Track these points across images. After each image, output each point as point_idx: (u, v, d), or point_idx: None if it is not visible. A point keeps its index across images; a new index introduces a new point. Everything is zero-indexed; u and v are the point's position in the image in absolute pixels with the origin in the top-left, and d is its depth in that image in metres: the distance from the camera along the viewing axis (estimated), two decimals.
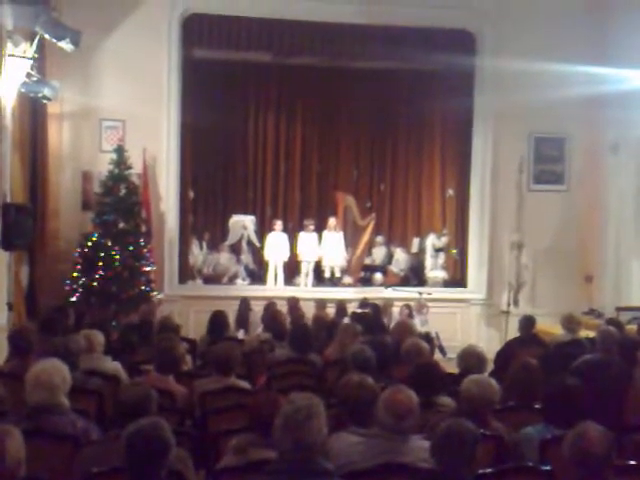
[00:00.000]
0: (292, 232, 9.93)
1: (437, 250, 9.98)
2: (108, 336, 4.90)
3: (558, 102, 9.01)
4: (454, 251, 10.02)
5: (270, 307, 7.08)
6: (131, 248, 8.03)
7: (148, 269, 8.18)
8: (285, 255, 9.62)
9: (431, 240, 10.07)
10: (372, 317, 6.65)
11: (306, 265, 9.65)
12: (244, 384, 4.01)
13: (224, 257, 9.83)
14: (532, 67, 8.78)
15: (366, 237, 10.13)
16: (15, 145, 7.15)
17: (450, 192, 10.21)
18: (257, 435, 2.72)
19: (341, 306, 7.53)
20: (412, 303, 8.54)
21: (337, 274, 9.81)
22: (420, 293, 8.60)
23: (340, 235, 9.84)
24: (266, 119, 10.53)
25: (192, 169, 9.68)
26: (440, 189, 10.38)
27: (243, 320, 7.72)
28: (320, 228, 9.92)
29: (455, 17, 9.34)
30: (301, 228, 9.83)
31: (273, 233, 9.72)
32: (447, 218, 10.29)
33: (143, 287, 8.02)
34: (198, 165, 9.95)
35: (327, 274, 9.80)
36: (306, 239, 9.67)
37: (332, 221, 9.79)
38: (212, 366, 4.08)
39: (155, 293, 8.19)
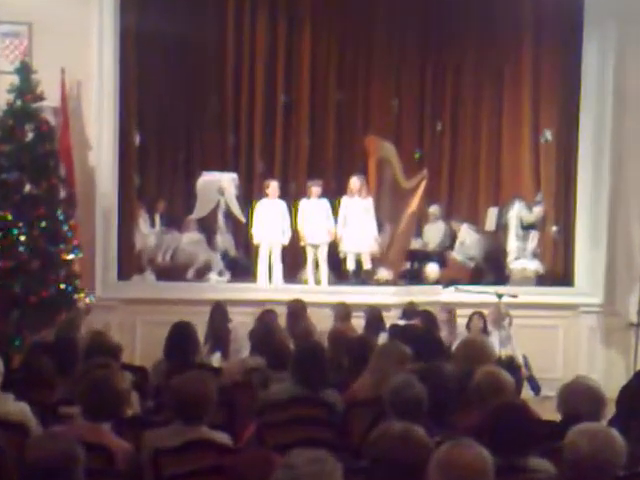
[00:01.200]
0: (295, 199, 9.94)
1: (526, 227, 9.95)
2: (8, 362, 4.92)
3: None
4: (554, 229, 10.02)
5: (263, 317, 7.14)
6: (43, 225, 8.01)
7: (70, 257, 8.16)
8: (284, 236, 9.60)
9: (517, 211, 10.01)
10: (423, 333, 6.69)
11: (313, 251, 9.63)
12: (221, 437, 4.03)
13: (189, 238, 9.85)
14: None
15: (413, 207, 10.13)
16: None
17: (547, 135, 10.22)
18: None
19: (374, 316, 7.53)
20: (487, 311, 8.43)
21: (366, 265, 9.76)
22: (500, 295, 8.36)
23: (369, 203, 9.79)
24: (255, 23, 10.48)
25: (138, 100, 9.66)
26: (531, 130, 10.36)
27: (219, 337, 7.74)
28: (338, 192, 9.92)
29: None
30: (305, 193, 9.83)
31: (266, 201, 9.69)
32: (542, 177, 10.28)
33: (62, 285, 8.00)
34: (147, 94, 9.93)
35: (350, 265, 9.76)
36: (310, 210, 9.64)
37: (356, 181, 9.70)
38: (171, 409, 4.11)
39: (81, 295, 8.17)
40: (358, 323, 7.51)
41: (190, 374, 4.18)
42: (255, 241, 9.62)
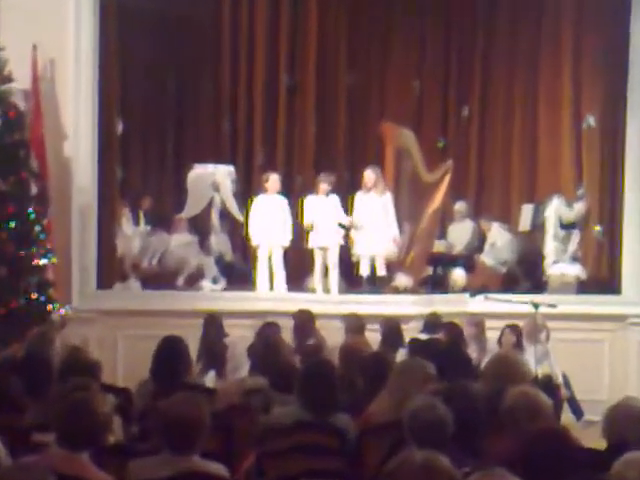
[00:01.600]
0: (301, 195, 10.00)
1: (566, 226, 9.94)
2: None
3: None
4: (597, 228, 10.02)
5: (265, 331, 7.18)
6: (12, 225, 8.05)
7: (43, 262, 8.21)
8: (287, 237, 9.64)
9: (555, 209, 9.98)
10: (447, 348, 6.71)
11: (321, 255, 9.65)
12: (215, 468, 4.03)
13: (179, 241, 9.92)
14: None
15: (436, 203, 10.17)
16: None
17: (590, 121, 10.20)
18: None
19: (391, 329, 7.55)
20: (521, 323, 8.37)
21: (382, 271, 9.83)
22: (536, 305, 8.33)
23: (387, 200, 9.82)
24: None
25: (121, 83, 9.73)
26: (571, 115, 10.36)
27: (214, 354, 7.68)
28: (350, 188, 9.96)
29: None
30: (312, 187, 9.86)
31: (266, 197, 9.72)
32: (584, 168, 10.28)
33: (34, 295, 8.05)
34: (131, 76, 10.02)
35: (364, 271, 9.81)
36: (318, 207, 9.65)
37: (371, 175, 9.75)
38: (159, 436, 4.10)
39: (55, 306, 8.21)
40: (373, 337, 7.52)
41: (180, 396, 4.18)
42: (253, 243, 9.63)
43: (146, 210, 10.10)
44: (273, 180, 9.66)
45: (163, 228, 10.02)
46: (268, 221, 9.57)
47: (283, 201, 9.70)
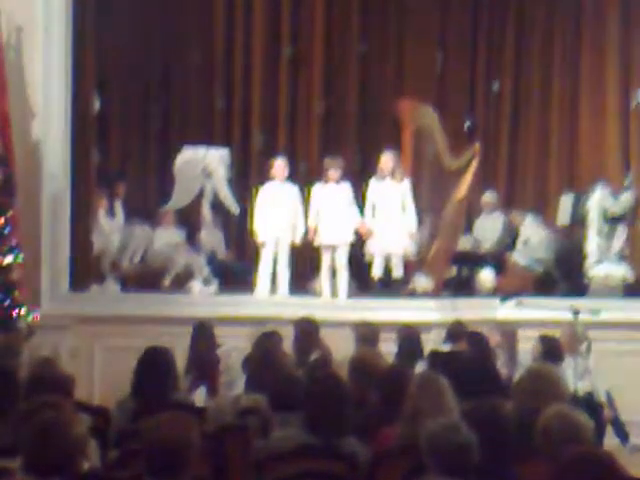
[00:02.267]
0: (307, 184, 9.97)
1: (612, 220, 9.93)
2: None
3: None
4: None
5: (263, 341, 7.12)
6: None
7: (7, 261, 8.22)
8: (294, 232, 9.65)
9: (599, 200, 9.97)
10: (473, 361, 6.71)
11: (329, 254, 9.64)
12: None
13: (165, 238, 9.93)
14: None
15: (462, 193, 10.17)
16: None
17: (639, 99, 10.26)
18: None
19: (410, 339, 7.53)
20: (559, 332, 8.29)
21: (398, 271, 9.82)
22: (576, 311, 8.34)
23: (406, 188, 9.82)
24: None
25: (98, 54, 9.73)
26: (618, 93, 10.42)
27: (204, 367, 7.74)
28: (362, 174, 9.94)
29: None
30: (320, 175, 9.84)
31: (269, 185, 9.73)
32: (632, 154, 10.36)
33: None
34: (110, 46, 10.00)
35: (377, 272, 9.82)
36: (326, 198, 9.65)
37: (389, 160, 9.75)
38: (141, 462, 4.09)
39: (22, 311, 8.20)
40: (388, 348, 7.45)
41: (165, 416, 4.17)
42: (259, 239, 9.58)
43: (123, 199, 10.08)
44: (279, 166, 9.62)
45: (146, 221, 10.02)
46: (273, 215, 9.54)
47: (294, 189, 9.66)
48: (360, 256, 9.87)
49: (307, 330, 7.58)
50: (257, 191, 9.71)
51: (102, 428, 5.34)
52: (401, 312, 8.88)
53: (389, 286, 9.73)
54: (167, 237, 9.93)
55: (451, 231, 10.22)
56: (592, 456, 3.71)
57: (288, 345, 7.37)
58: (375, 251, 9.77)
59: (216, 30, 10.53)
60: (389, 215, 9.73)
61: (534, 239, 10.19)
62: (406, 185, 9.78)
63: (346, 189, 9.65)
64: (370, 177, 9.84)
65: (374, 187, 9.74)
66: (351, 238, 9.67)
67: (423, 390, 5.04)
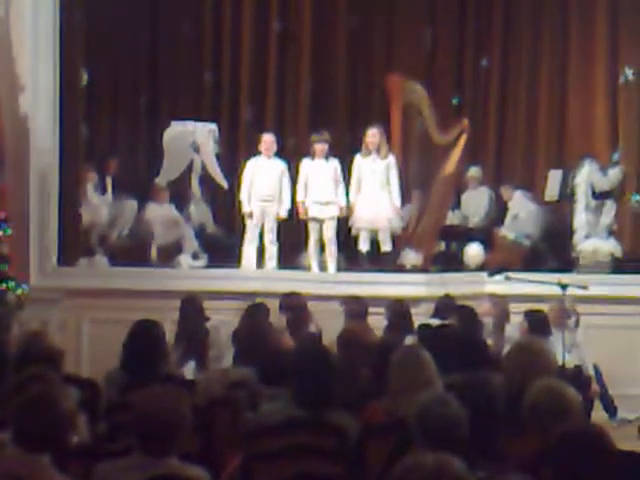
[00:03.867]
0: (295, 159, 9.99)
1: (600, 196, 9.94)
2: None
3: None
4: (636, 198, 10.08)
5: (252, 314, 7.18)
6: None
7: None
8: (281, 206, 9.67)
9: (587, 175, 9.99)
10: (462, 335, 6.66)
11: (317, 228, 9.67)
12: (195, 472, 4.03)
13: (154, 210, 9.88)
14: None
15: (450, 169, 10.19)
16: None
17: (628, 74, 10.24)
18: None
19: (398, 313, 7.60)
20: (547, 307, 8.37)
21: (386, 246, 9.84)
22: (564, 286, 8.32)
23: (391, 164, 9.83)
24: None
25: (86, 26, 9.69)
26: (606, 68, 10.39)
27: (193, 341, 7.80)
28: (350, 149, 9.95)
29: None
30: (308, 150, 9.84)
31: (256, 160, 9.73)
32: (621, 129, 10.34)
33: None
34: (98, 18, 9.94)
35: (364, 246, 9.85)
36: (314, 173, 9.68)
37: (375, 135, 9.75)
38: (131, 436, 4.11)
39: (11, 284, 8.20)
40: (377, 322, 7.51)
41: (155, 389, 4.21)
42: (244, 210, 9.60)
43: (113, 174, 10.08)
44: (267, 141, 9.64)
45: (133, 195, 10.00)
46: (261, 189, 9.58)
47: (281, 165, 9.70)
48: (346, 231, 9.88)
49: (296, 303, 7.65)
50: (241, 165, 9.74)
51: (91, 401, 5.33)
52: (390, 287, 8.93)
53: (377, 260, 9.75)
54: (162, 213, 9.90)
55: (439, 206, 10.24)
56: (580, 430, 3.65)
57: (276, 318, 7.40)
58: (362, 226, 9.77)
59: (205, 3, 10.52)
60: (373, 190, 9.73)
61: (522, 214, 10.22)
62: (391, 160, 9.78)
63: (334, 165, 9.66)
64: (358, 152, 9.84)
65: (359, 163, 9.74)
66: (337, 212, 9.69)
67: (402, 365, 5.07)
